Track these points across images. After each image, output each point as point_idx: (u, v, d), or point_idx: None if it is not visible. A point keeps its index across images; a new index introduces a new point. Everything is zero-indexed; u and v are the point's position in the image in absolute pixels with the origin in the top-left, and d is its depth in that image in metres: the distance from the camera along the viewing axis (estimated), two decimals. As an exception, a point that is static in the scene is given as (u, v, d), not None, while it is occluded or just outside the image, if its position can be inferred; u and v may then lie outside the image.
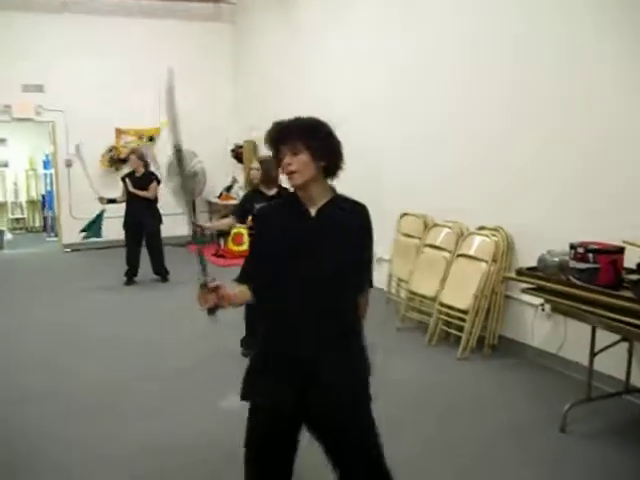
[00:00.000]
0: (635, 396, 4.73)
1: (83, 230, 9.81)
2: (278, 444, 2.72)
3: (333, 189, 2.73)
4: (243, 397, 2.75)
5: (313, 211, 2.65)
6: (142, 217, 8.93)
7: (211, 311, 2.58)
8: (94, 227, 9.79)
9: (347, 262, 2.64)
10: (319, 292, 2.60)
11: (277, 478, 2.77)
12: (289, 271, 2.63)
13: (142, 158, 9.16)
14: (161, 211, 9.20)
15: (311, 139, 2.60)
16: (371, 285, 2.83)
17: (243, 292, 2.71)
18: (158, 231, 9.17)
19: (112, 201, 9.24)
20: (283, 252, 2.64)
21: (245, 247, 9.45)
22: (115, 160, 12.11)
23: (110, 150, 11.54)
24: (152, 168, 9.64)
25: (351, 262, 2.65)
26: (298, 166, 2.59)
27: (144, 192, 8.88)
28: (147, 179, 9.02)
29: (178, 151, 2.66)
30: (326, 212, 2.65)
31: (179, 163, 2.74)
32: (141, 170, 9.08)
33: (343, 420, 2.64)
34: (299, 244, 2.63)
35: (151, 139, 12.52)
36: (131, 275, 9.15)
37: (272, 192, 5.90)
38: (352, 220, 2.69)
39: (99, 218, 9.73)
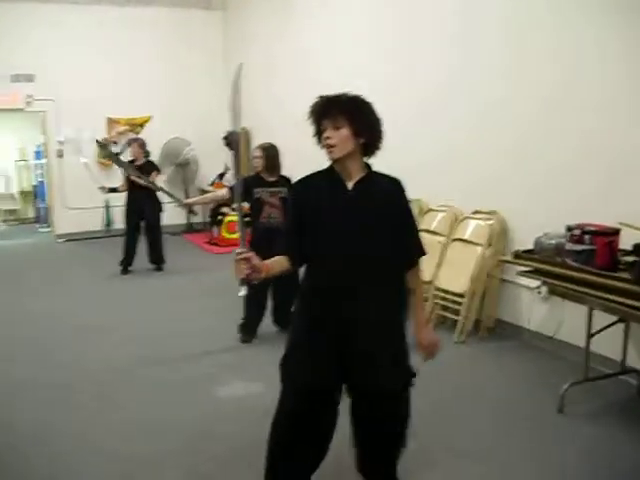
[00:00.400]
0: (631, 376, 4.77)
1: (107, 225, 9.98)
2: (319, 421, 2.84)
3: (369, 166, 2.81)
4: (282, 378, 2.86)
5: (350, 185, 2.72)
6: (143, 206, 8.90)
7: (243, 281, 2.67)
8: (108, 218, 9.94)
9: (386, 230, 2.72)
10: (361, 261, 2.69)
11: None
12: (330, 242, 2.72)
13: (143, 147, 9.13)
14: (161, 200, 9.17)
15: (354, 115, 2.66)
16: (423, 253, 2.89)
17: (278, 261, 2.80)
18: (158, 220, 9.15)
19: (113, 190, 9.22)
20: (323, 224, 2.73)
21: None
22: (104, 144, 11.90)
23: (99, 144, 11.33)
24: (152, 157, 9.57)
25: (391, 230, 2.73)
26: (338, 140, 2.65)
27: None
28: (147, 168, 8.99)
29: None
30: (363, 185, 2.73)
31: (231, 147, 2.88)
32: (141, 159, 9.05)
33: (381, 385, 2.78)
34: (339, 216, 2.71)
35: (141, 126, 12.46)
36: (126, 264, 9.13)
37: (273, 178, 5.86)
38: (389, 192, 2.78)
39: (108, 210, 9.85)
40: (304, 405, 2.78)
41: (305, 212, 2.78)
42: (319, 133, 2.72)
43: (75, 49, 11.76)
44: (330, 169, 2.77)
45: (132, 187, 8.90)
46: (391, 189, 2.79)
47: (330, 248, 2.72)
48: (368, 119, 2.70)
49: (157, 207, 9.06)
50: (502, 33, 5.87)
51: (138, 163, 9.00)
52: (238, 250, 2.65)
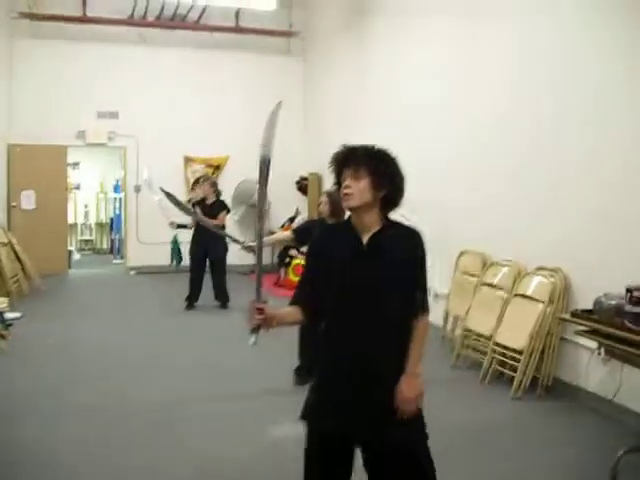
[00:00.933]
0: (690, 447, 4.61)
1: (172, 262, 10.22)
2: (333, 469, 2.76)
3: (387, 218, 2.76)
4: (303, 418, 2.83)
5: (365, 239, 2.69)
6: (208, 244, 9.07)
7: (254, 330, 2.66)
8: (176, 254, 10.14)
9: (395, 291, 2.67)
10: (369, 319, 2.66)
11: None
12: (340, 297, 2.69)
13: (214, 186, 9.34)
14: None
15: (376, 167, 2.64)
16: (426, 310, 2.78)
17: (292, 313, 2.80)
18: (223, 258, 9.31)
19: (182, 226, 9.43)
20: (334, 279, 2.69)
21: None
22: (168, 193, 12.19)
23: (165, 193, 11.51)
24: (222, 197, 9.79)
25: (399, 291, 2.67)
26: (356, 190, 2.64)
27: (214, 220, 8.97)
28: (218, 207, 9.19)
29: (265, 163, 2.78)
30: (377, 240, 2.68)
31: (262, 174, 2.84)
32: (212, 198, 9.25)
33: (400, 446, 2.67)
34: (350, 272, 2.68)
35: (218, 168, 12.77)
36: (192, 300, 9.31)
37: None
38: (402, 249, 2.70)
39: (175, 245, 10.04)
40: (324, 452, 2.76)
41: (320, 263, 2.79)
42: (339, 183, 2.74)
43: (159, 88, 12.25)
44: (348, 221, 2.76)
45: (199, 224, 9.04)
46: (405, 243, 2.72)
47: (339, 304, 2.71)
48: (390, 173, 2.68)
49: (222, 245, 9.15)
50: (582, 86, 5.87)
51: (208, 202, 9.20)
52: (252, 299, 2.66)
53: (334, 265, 2.70)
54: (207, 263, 9.35)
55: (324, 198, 5.96)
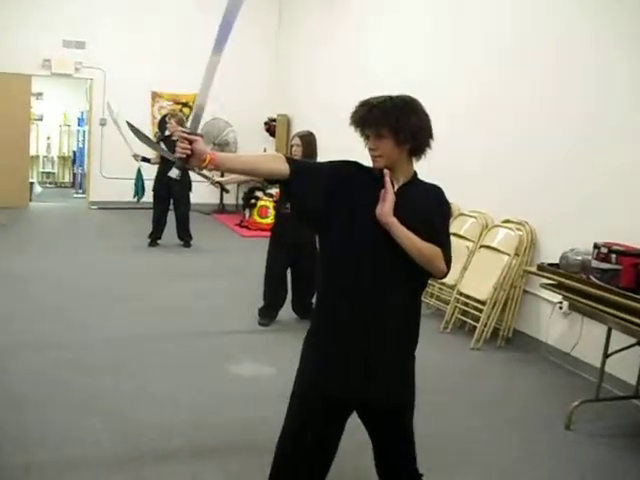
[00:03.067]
0: (644, 401, 4.73)
1: (135, 196, 10.03)
2: (321, 434, 2.62)
3: (414, 171, 2.65)
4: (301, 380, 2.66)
5: (396, 187, 2.56)
6: (172, 181, 8.91)
7: (179, 162, 2.47)
8: (139, 189, 9.98)
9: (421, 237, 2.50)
10: (385, 266, 2.51)
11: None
12: (357, 244, 2.53)
13: (181, 123, 9.19)
14: (191, 178, 9.22)
15: (396, 124, 2.49)
16: (446, 254, 2.57)
17: (240, 160, 2.71)
18: (187, 196, 9.22)
19: (146, 160, 9.30)
20: (354, 221, 2.54)
21: (270, 220, 9.48)
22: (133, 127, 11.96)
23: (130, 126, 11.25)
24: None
25: (426, 237, 2.51)
26: (383, 151, 2.52)
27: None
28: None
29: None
30: (406, 190, 2.56)
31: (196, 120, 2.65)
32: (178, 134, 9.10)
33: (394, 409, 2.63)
34: (372, 218, 2.50)
35: (185, 105, 12.56)
36: (155, 237, 9.24)
37: None
38: (430, 199, 2.63)
39: (139, 177, 9.88)
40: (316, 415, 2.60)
41: (338, 194, 2.56)
42: (365, 138, 2.59)
43: (127, 22, 11.88)
44: (381, 170, 2.57)
45: (164, 161, 8.85)
46: (432, 197, 2.64)
47: (353, 250, 2.53)
48: (413, 125, 2.51)
49: (186, 183, 9.00)
50: (554, 50, 5.84)
51: (174, 139, 9.07)
52: (184, 129, 2.48)
53: (357, 208, 2.54)
54: (171, 201, 9.24)
55: (296, 141, 5.85)
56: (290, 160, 2.59)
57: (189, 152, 2.42)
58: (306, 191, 2.56)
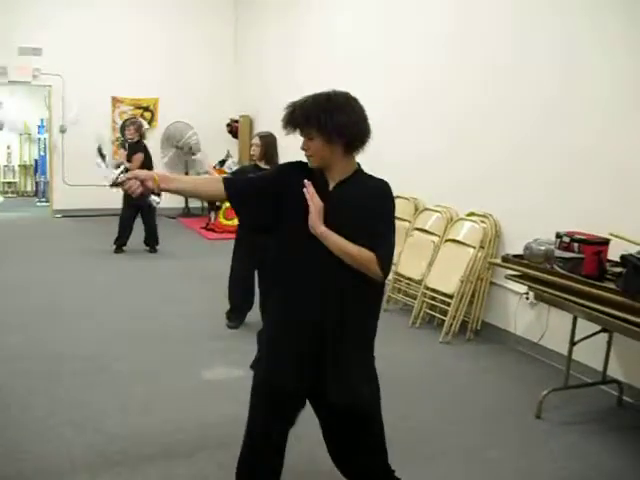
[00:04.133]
0: (611, 387, 4.78)
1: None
2: (278, 423, 2.68)
3: (357, 164, 2.63)
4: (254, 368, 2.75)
5: (332, 185, 2.57)
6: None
7: (145, 194, 2.62)
8: None
9: (359, 236, 2.48)
10: (325, 266, 2.51)
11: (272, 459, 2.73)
12: (298, 243, 2.56)
13: (139, 130, 9.14)
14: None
15: (322, 123, 2.46)
16: (382, 257, 2.50)
17: (187, 181, 2.96)
18: (152, 206, 9.11)
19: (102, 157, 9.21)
20: (297, 219, 2.53)
21: (236, 222, 9.43)
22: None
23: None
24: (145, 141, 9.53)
25: (361, 242, 2.48)
26: (314, 151, 2.52)
27: (129, 164, 8.63)
28: (133, 149, 9.02)
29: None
30: (342, 188, 2.55)
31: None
32: (136, 139, 9.06)
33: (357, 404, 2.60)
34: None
35: (147, 109, 12.47)
36: (120, 244, 9.16)
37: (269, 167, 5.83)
38: (370, 196, 2.55)
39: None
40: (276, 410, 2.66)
41: (281, 196, 2.60)
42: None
43: (83, 27, 11.74)
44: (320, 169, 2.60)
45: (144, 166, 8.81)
46: (372, 193, 2.57)
47: (298, 250, 2.58)
48: (339, 122, 2.47)
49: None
50: (502, 32, 5.90)
51: (130, 142, 9.07)
52: (120, 174, 2.68)
53: (296, 208, 2.53)
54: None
55: (256, 141, 5.83)
56: (227, 183, 2.64)
57: (140, 186, 2.55)
58: (253, 209, 2.67)
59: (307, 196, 2.47)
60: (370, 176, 2.64)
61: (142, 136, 9.20)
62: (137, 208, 9.03)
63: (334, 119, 2.46)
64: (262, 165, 5.72)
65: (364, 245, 2.46)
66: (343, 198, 2.53)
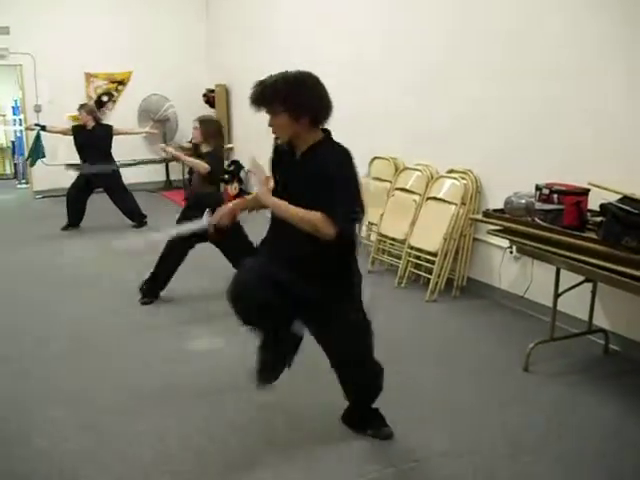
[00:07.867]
0: (598, 336, 4.81)
1: (27, 159, 9.94)
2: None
3: (326, 132, 2.96)
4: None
5: (298, 154, 2.92)
6: (91, 173, 8.86)
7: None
8: (36, 151, 9.90)
9: (315, 205, 2.78)
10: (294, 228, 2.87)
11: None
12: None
13: (92, 113, 9.01)
14: (134, 157, 9.04)
15: (287, 100, 2.74)
16: (333, 215, 2.79)
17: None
18: (121, 186, 9.07)
19: (42, 128, 9.42)
20: (278, 185, 3.02)
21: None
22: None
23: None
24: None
25: (319, 206, 2.78)
26: (278, 127, 2.83)
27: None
28: (103, 131, 8.93)
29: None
30: (306, 158, 2.90)
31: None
32: (91, 124, 8.91)
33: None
34: (286, 182, 2.98)
35: (121, 83, 12.31)
36: (70, 225, 9.10)
37: (207, 149, 5.78)
38: (329, 162, 2.84)
39: (38, 141, 9.81)
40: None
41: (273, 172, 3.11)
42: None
43: (51, 3, 11.50)
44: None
45: (87, 150, 8.95)
46: (333, 159, 2.85)
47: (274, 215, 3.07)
48: (303, 100, 2.77)
49: (115, 176, 9.03)
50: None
51: (88, 128, 8.91)
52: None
53: (276, 176, 3.04)
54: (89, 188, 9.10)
55: (195, 124, 5.81)
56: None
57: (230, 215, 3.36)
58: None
59: (253, 177, 2.91)
60: (334, 144, 2.94)
61: (97, 119, 9.05)
62: (87, 189, 8.98)
63: (301, 96, 2.78)
64: (203, 147, 5.77)
65: (321, 209, 2.77)
66: (306, 166, 2.89)
